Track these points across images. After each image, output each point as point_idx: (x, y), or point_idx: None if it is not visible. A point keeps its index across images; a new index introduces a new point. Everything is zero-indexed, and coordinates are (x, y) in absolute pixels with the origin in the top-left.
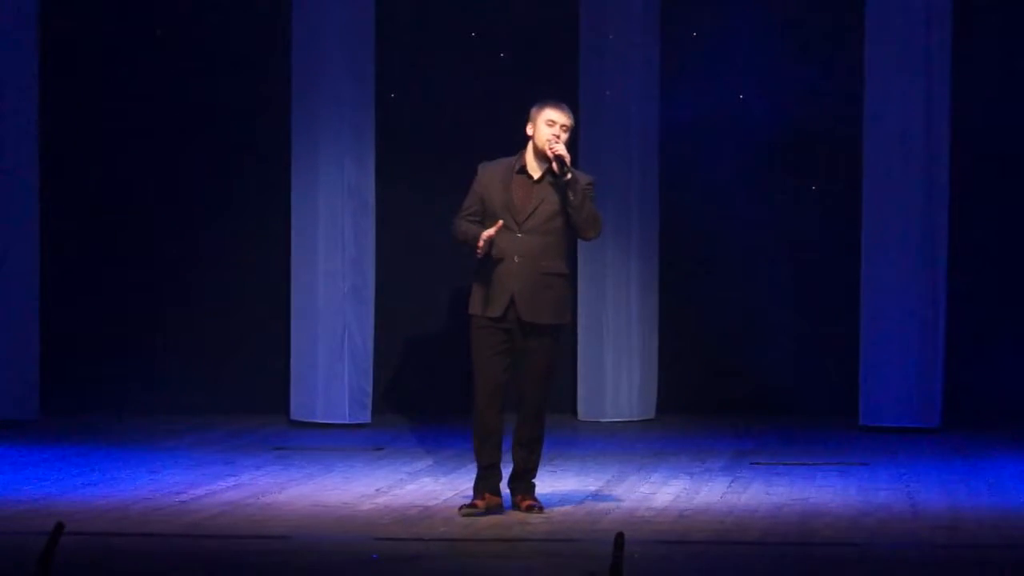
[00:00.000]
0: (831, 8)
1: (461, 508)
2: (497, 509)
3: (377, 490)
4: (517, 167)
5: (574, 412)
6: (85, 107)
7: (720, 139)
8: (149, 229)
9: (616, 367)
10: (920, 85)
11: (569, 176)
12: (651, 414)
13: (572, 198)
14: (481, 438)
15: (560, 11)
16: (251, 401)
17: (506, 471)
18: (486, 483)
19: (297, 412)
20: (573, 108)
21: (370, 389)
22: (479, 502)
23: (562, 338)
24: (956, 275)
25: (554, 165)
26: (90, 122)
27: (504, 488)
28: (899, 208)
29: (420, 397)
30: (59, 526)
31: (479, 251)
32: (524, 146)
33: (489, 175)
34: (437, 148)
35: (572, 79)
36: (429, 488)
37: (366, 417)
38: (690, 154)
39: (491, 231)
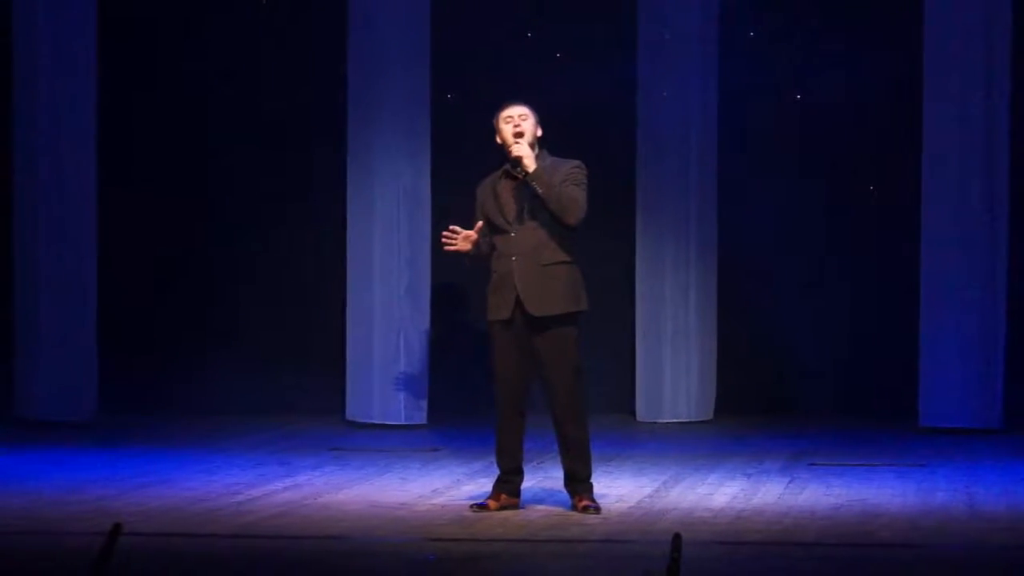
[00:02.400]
0: (889, 6)
1: (472, 506)
2: (512, 508)
3: (434, 491)
4: (503, 172)
5: (632, 413)
6: (143, 110)
7: (778, 138)
8: (205, 231)
9: (674, 369)
10: (979, 84)
11: (531, 169)
12: (709, 415)
13: (540, 191)
14: (500, 444)
15: (617, 11)
16: (307, 402)
17: (561, 473)
18: (505, 486)
19: (353, 413)
20: (631, 108)
21: (426, 389)
22: (492, 502)
23: (580, 330)
24: (1017, 275)
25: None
26: (148, 124)
27: (560, 489)
28: (959, 207)
29: (476, 397)
30: (116, 527)
31: (444, 241)
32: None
33: (482, 189)
34: (493, 148)
35: (630, 79)
36: (486, 489)
37: (422, 418)
38: (748, 154)
39: (469, 232)
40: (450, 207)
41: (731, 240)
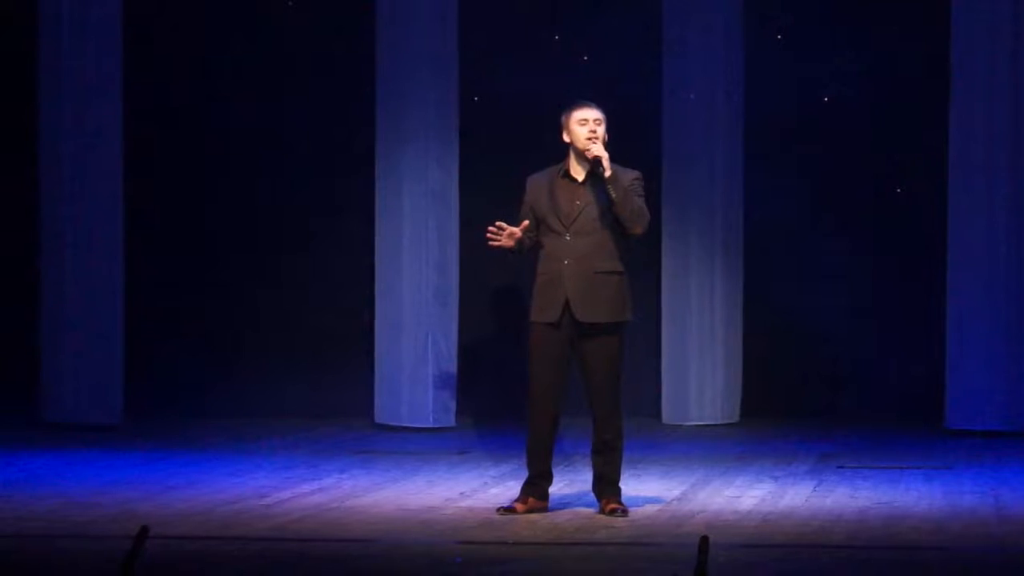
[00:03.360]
0: (915, 10)
1: (499, 509)
2: (540, 511)
3: (461, 493)
4: (561, 172)
5: (658, 415)
6: (170, 111)
7: (804, 140)
8: (233, 233)
9: (700, 371)
10: (1005, 84)
11: (608, 173)
12: (735, 418)
13: (614, 195)
14: (531, 446)
15: (642, 13)
16: (335, 405)
17: (588, 476)
18: (533, 489)
19: (381, 415)
20: (657, 109)
21: (454, 392)
22: (520, 505)
23: (624, 338)
24: None
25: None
26: (175, 126)
27: (588, 492)
28: (985, 210)
29: (504, 400)
30: (144, 530)
31: (489, 236)
32: (566, 154)
33: (535, 185)
34: (521, 151)
35: (655, 81)
36: (513, 492)
37: (450, 420)
38: (774, 155)
39: (514, 229)
40: (478, 209)
41: (757, 241)
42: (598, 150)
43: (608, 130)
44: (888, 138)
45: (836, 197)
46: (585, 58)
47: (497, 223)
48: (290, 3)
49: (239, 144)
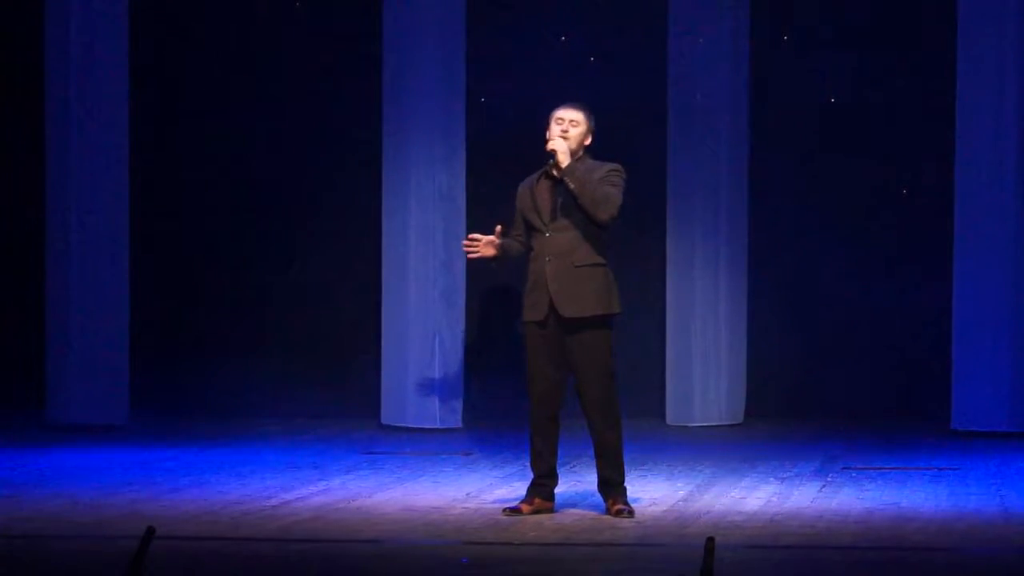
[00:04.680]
0: (921, 9)
1: (505, 509)
2: (546, 512)
3: (467, 494)
4: (544, 173)
5: (662, 417)
6: (177, 111)
7: (810, 142)
8: (239, 233)
9: (704, 372)
10: (1012, 85)
11: (563, 166)
12: (739, 419)
13: (572, 186)
14: (535, 448)
15: (649, 15)
16: (342, 405)
17: (594, 477)
18: (539, 490)
19: (388, 416)
20: (662, 110)
21: (461, 393)
22: (526, 506)
23: (612, 334)
24: None
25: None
26: (181, 125)
27: (594, 493)
28: (991, 211)
29: (510, 401)
30: (150, 530)
31: (465, 248)
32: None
33: (521, 189)
34: (528, 152)
35: (661, 82)
36: (519, 492)
37: (457, 421)
38: (780, 156)
39: (491, 237)
40: (484, 210)
41: (762, 243)
42: (553, 144)
43: (614, 129)
44: (894, 139)
45: (842, 198)
46: (592, 59)
47: (471, 235)
48: (297, 3)
49: (244, 144)
